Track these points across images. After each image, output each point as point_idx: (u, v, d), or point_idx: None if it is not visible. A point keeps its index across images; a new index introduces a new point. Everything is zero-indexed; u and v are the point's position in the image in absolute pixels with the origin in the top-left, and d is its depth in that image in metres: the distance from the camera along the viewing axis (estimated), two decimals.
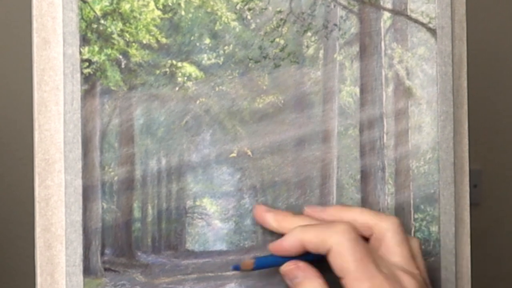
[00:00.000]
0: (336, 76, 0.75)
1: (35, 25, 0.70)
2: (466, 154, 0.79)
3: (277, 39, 0.74)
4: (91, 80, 0.71)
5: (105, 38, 0.71)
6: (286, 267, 0.68)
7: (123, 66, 0.71)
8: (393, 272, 0.64)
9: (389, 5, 0.76)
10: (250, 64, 0.74)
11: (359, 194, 0.76)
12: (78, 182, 0.70)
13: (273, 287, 0.73)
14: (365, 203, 0.75)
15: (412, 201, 0.76)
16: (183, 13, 0.73)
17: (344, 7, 0.76)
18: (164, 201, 0.72)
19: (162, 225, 0.72)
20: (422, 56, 0.77)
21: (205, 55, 0.73)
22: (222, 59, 0.73)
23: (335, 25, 0.75)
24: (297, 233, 0.67)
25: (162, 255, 0.72)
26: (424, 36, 0.77)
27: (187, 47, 0.73)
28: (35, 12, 0.70)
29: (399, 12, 0.77)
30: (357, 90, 0.76)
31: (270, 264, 0.69)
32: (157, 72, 0.72)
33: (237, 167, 0.74)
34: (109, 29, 0.71)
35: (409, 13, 0.77)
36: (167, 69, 0.72)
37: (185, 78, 0.73)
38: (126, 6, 0.72)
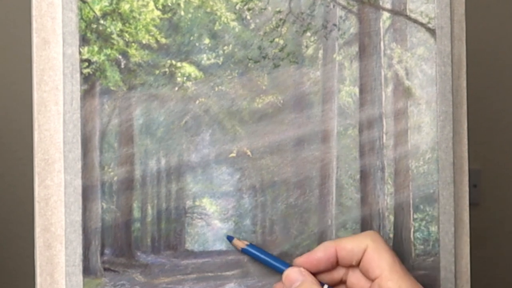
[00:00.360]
0: (335, 76, 0.75)
1: (34, 25, 0.70)
2: (466, 154, 0.79)
3: (277, 39, 0.74)
4: (90, 80, 0.71)
5: (104, 38, 0.71)
6: (289, 271, 0.68)
7: (122, 66, 0.71)
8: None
9: (388, 5, 0.76)
10: (249, 64, 0.74)
11: (358, 194, 0.76)
12: (78, 182, 0.70)
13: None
14: (365, 203, 0.75)
15: (411, 201, 0.76)
16: (182, 13, 0.73)
17: (344, 7, 0.76)
18: (163, 201, 0.72)
19: (161, 225, 0.72)
20: (422, 56, 0.77)
21: (204, 55, 0.73)
22: (221, 59, 0.73)
23: (335, 25, 0.75)
24: (329, 243, 0.68)
25: (161, 255, 0.72)
26: (424, 36, 0.77)
27: (186, 47, 0.73)
28: (34, 12, 0.70)
29: (398, 12, 0.77)
30: (357, 90, 0.76)
31: (258, 257, 0.71)
32: (157, 72, 0.72)
33: (237, 167, 0.74)
34: (108, 29, 0.71)
35: (408, 13, 0.77)
36: (167, 69, 0.72)
37: (185, 78, 0.73)
38: (125, 6, 0.72)
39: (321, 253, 0.68)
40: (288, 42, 0.75)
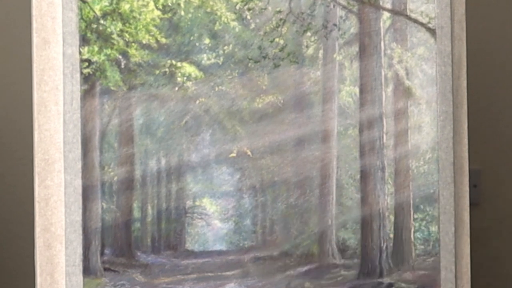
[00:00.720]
0: (335, 76, 0.75)
1: (34, 25, 0.70)
2: (466, 154, 0.79)
3: (277, 39, 0.74)
4: (90, 80, 0.71)
5: (104, 38, 0.71)
6: None
7: (122, 66, 0.71)
8: None
9: (388, 5, 0.76)
10: (249, 64, 0.74)
11: (358, 194, 0.76)
12: (78, 182, 0.70)
13: (273, 287, 0.72)
14: (365, 203, 0.75)
15: (411, 201, 0.76)
16: (182, 13, 0.73)
17: (344, 7, 0.76)
18: (163, 201, 0.72)
19: (161, 225, 0.72)
20: (422, 56, 0.77)
21: (204, 55, 0.73)
22: (221, 59, 0.73)
23: (335, 25, 0.75)
24: None
25: (161, 255, 0.72)
26: (424, 36, 0.77)
27: (186, 47, 0.73)
28: (34, 12, 0.70)
29: (398, 12, 0.77)
30: (357, 90, 0.76)
31: None
32: (157, 72, 0.72)
33: (237, 167, 0.74)
34: (108, 29, 0.71)
35: (408, 13, 0.77)
36: (167, 69, 0.72)
37: (185, 78, 0.73)
38: (125, 6, 0.72)
39: None
40: (288, 42, 0.75)
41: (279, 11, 0.74)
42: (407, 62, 0.77)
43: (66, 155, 0.69)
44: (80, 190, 0.69)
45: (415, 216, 0.77)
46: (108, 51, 0.71)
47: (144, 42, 0.72)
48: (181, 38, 0.73)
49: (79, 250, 0.69)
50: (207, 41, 0.73)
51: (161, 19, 0.72)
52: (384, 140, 0.76)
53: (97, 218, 0.71)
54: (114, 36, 0.71)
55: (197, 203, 0.73)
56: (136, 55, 0.72)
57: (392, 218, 0.76)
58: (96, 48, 0.71)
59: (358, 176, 0.76)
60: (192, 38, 0.73)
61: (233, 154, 0.74)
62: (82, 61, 0.70)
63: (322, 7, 0.75)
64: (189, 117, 0.73)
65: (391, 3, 0.76)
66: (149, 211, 0.72)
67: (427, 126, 0.77)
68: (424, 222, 0.77)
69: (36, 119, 0.68)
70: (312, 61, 0.75)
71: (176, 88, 0.73)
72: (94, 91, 0.71)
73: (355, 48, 0.76)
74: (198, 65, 0.73)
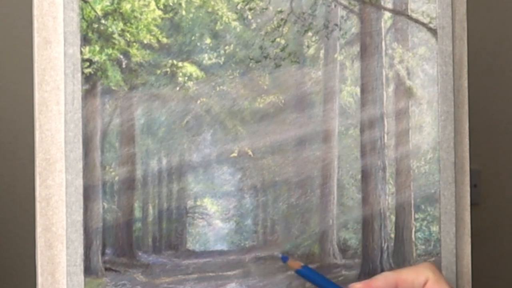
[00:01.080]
0: (336, 76, 0.75)
1: (36, 24, 0.70)
2: (467, 154, 0.79)
3: (278, 39, 0.74)
4: (92, 80, 0.71)
5: (106, 38, 0.71)
6: (357, 285, 0.67)
7: (124, 66, 0.71)
8: None
9: (389, 5, 0.76)
10: (251, 64, 0.74)
11: (359, 194, 0.76)
12: (79, 182, 0.70)
13: (274, 287, 0.73)
14: (366, 203, 0.75)
15: (412, 201, 0.76)
16: (184, 13, 0.73)
17: (345, 7, 0.76)
18: (165, 201, 0.72)
19: (163, 225, 0.72)
20: (423, 56, 0.77)
21: (206, 55, 0.73)
22: (223, 59, 0.73)
23: (336, 25, 0.75)
24: (389, 274, 0.67)
25: (163, 255, 0.72)
26: (425, 36, 0.77)
27: (188, 47, 0.73)
28: (36, 11, 0.70)
29: (399, 12, 0.77)
30: (358, 90, 0.76)
31: (313, 279, 0.68)
32: (158, 72, 0.72)
33: (238, 167, 0.74)
34: (110, 29, 0.71)
35: (409, 13, 0.77)
36: (168, 69, 0.72)
37: (186, 78, 0.73)
38: (127, 6, 0.72)
39: (381, 283, 0.67)
40: (289, 42, 0.75)
41: (280, 11, 0.74)
42: (408, 62, 0.77)
43: (67, 155, 0.69)
44: (81, 190, 0.69)
45: (416, 216, 0.77)
46: (109, 51, 0.71)
47: (145, 42, 0.72)
48: (182, 38, 0.73)
49: (80, 250, 0.69)
50: (208, 41, 0.73)
51: (162, 19, 0.72)
52: (385, 140, 0.76)
53: (98, 218, 0.71)
54: (115, 36, 0.71)
55: (198, 203, 0.73)
56: (137, 55, 0.72)
57: (393, 218, 0.76)
58: (97, 48, 0.71)
59: (359, 176, 0.76)
60: (193, 38, 0.73)
61: (234, 154, 0.74)
62: (83, 61, 0.70)
63: (323, 7, 0.75)
64: (190, 117, 0.73)
65: (392, 3, 0.76)
66: (150, 211, 0.72)
67: (428, 126, 0.77)
68: (425, 222, 0.77)
69: (37, 119, 0.68)
70: (313, 61, 0.75)
71: (177, 88, 0.73)
72: (95, 91, 0.71)
73: (356, 48, 0.76)
74: (199, 65, 0.73)
